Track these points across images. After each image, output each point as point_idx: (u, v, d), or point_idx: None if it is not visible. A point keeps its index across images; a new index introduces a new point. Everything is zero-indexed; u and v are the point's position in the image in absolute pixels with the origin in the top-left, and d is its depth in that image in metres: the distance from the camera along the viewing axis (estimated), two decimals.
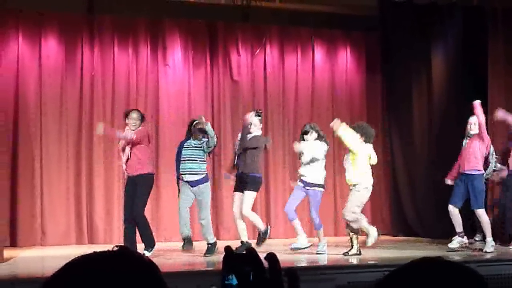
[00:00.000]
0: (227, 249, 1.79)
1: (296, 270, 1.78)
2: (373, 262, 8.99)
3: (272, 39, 13.37)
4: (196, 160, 9.53)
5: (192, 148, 9.56)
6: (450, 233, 9.98)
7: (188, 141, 9.64)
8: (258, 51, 13.17)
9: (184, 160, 9.52)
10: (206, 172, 9.69)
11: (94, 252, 1.74)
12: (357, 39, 13.88)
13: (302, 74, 13.47)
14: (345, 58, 13.85)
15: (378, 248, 10.33)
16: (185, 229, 9.47)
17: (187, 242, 9.51)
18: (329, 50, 13.73)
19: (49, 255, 9.42)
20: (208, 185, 9.70)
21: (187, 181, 9.51)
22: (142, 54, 12.47)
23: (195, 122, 9.64)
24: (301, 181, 9.75)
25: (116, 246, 1.80)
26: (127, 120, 9.57)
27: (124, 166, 9.49)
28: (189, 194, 9.53)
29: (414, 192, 12.52)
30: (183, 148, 9.60)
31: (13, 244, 11.00)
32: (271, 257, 1.74)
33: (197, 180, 9.51)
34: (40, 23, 11.86)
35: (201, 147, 9.53)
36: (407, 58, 12.82)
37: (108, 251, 1.74)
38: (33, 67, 11.78)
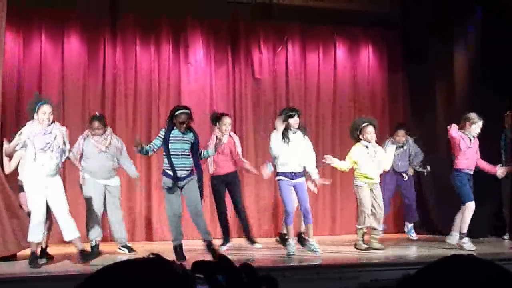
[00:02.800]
0: (195, 262, 1.75)
1: (275, 279, 1.75)
2: (396, 260, 8.96)
3: (293, 37, 13.34)
4: (189, 155, 8.87)
5: (183, 142, 8.82)
6: (474, 231, 9.98)
7: (175, 133, 8.81)
8: (280, 49, 13.16)
9: (178, 155, 8.79)
10: None
11: (128, 259, 1.75)
12: (379, 36, 13.83)
13: (324, 72, 13.45)
14: (367, 55, 13.80)
15: (401, 246, 10.31)
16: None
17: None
18: (351, 48, 13.69)
19: (71, 252, 9.43)
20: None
21: (179, 177, 8.80)
22: (164, 52, 12.49)
23: (178, 112, 8.92)
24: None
25: (152, 254, 1.80)
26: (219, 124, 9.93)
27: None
28: (178, 192, 8.91)
29: (438, 190, 12.43)
30: (172, 141, 8.78)
31: None
32: (247, 267, 1.71)
33: (189, 173, 8.90)
34: (62, 21, 11.90)
35: (188, 141, 8.83)
36: (429, 55, 12.76)
37: (143, 258, 1.75)
38: (56, 65, 11.83)
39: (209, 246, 8.90)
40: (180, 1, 12.38)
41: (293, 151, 9.20)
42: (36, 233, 8.13)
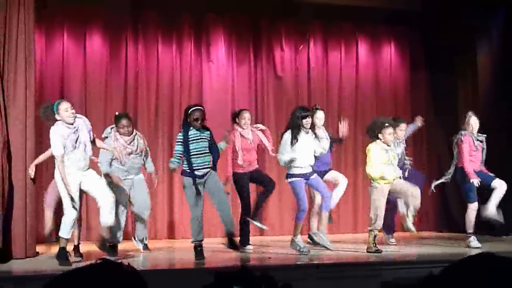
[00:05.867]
0: (217, 273, 1.74)
1: (291, 285, 1.73)
2: (418, 258, 8.92)
3: (315, 34, 13.33)
4: (209, 153, 8.77)
5: (202, 140, 8.73)
6: (498, 229, 9.96)
7: (193, 133, 8.71)
8: (301, 46, 13.15)
9: (200, 154, 8.69)
10: None
11: (78, 267, 1.78)
12: (401, 34, 13.78)
13: (346, 70, 13.42)
14: (389, 53, 13.77)
15: (422, 244, 10.26)
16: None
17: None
18: (373, 46, 13.66)
19: (87, 250, 9.46)
20: None
21: (201, 175, 8.69)
22: (186, 50, 12.51)
23: (191, 110, 8.85)
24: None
25: (99, 259, 1.87)
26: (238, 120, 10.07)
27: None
28: (201, 191, 8.84)
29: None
30: (193, 141, 8.70)
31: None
32: (267, 277, 1.70)
33: (209, 169, 8.77)
34: (84, 19, 11.94)
35: (206, 139, 8.75)
36: (452, 54, 12.71)
37: (91, 264, 1.78)
38: (78, 63, 11.87)
39: (230, 237, 8.82)
40: None
41: (305, 152, 9.21)
42: (68, 229, 8.09)
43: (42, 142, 9.32)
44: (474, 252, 9.28)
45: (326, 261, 8.66)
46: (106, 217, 8.28)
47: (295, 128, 9.21)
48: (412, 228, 9.56)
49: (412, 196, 9.42)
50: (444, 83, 13.05)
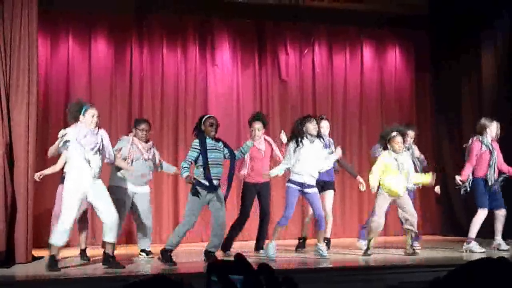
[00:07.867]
0: (210, 263, 1.69)
1: (293, 278, 1.70)
2: (423, 262, 8.89)
3: (320, 38, 13.31)
4: (222, 165, 8.76)
5: (217, 151, 8.70)
6: (506, 232, 9.95)
7: (210, 142, 8.70)
8: (306, 51, 13.14)
9: (216, 164, 8.62)
10: None
11: (136, 281, 1.73)
12: (406, 38, 13.78)
13: (351, 74, 13.40)
14: (394, 56, 13.76)
15: (428, 248, 10.23)
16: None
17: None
18: (378, 49, 13.64)
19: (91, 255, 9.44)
20: None
21: (215, 186, 8.63)
22: (191, 54, 12.50)
23: (205, 118, 8.89)
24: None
25: (159, 274, 1.81)
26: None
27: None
28: (203, 206, 8.82)
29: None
30: (210, 151, 8.65)
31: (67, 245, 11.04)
32: (265, 267, 1.66)
33: (219, 183, 8.75)
34: (89, 24, 11.95)
35: (220, 150, 8.75)
36: (456, 57, 12.70)
37: (151, 278, 1.73)
38: (83, 68, 11.86)
39: (209, 255, 8.83)
40: (207, 3, 12.38)
41: (307, 161, 9.07)
42: (61, 237, 8.00)
43: (44, 147, 9.26)
44: (477, 256, 9.28)
45: (332, 265, 8.64)
46: (110, 236, 8.29)
47: (299, 135, 9.12)
48: (411, 252, 9.48)
49: (410, 223, 9.41)
50: (448, 85, 13.03)
